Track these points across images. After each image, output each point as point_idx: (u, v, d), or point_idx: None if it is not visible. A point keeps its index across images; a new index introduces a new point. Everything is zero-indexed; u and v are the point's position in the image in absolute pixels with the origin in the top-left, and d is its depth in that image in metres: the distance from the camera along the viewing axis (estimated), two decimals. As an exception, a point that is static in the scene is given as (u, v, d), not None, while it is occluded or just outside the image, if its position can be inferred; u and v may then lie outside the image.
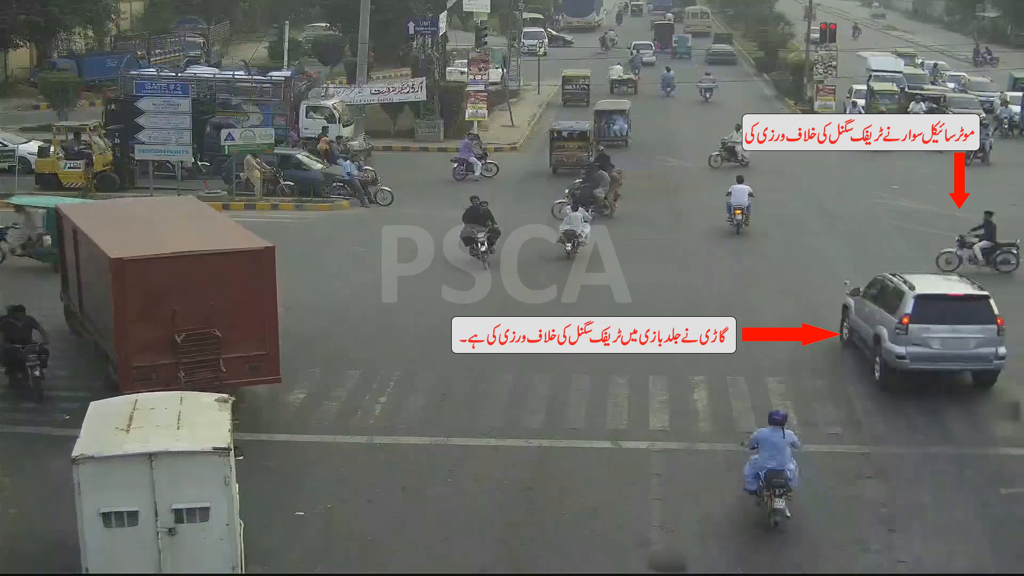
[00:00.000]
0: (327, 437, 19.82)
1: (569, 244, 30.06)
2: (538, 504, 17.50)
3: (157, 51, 62.98)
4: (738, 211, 33.44)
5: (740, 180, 34.42)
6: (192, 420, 14.90)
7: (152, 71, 48.85)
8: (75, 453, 13.94)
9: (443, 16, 54.59)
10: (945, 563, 15.86)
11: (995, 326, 21.27)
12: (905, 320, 21.36)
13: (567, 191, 34.21)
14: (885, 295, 22.51)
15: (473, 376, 22.30)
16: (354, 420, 20.55)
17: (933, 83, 62.00)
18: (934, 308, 21.47)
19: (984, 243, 29.59)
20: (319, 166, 39.51)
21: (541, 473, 18.58)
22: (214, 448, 14.08)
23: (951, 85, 61.80)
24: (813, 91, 55.85)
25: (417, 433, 19.94)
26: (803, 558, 15.97)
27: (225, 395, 16.03)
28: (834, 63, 54.56)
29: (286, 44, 59.96)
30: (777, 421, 16.85)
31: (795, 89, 62.42)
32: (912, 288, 21.85)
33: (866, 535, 16.48)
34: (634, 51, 76.17)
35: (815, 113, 54.31)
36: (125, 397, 16.32)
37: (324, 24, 76.63)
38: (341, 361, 23.22)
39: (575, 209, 31.07)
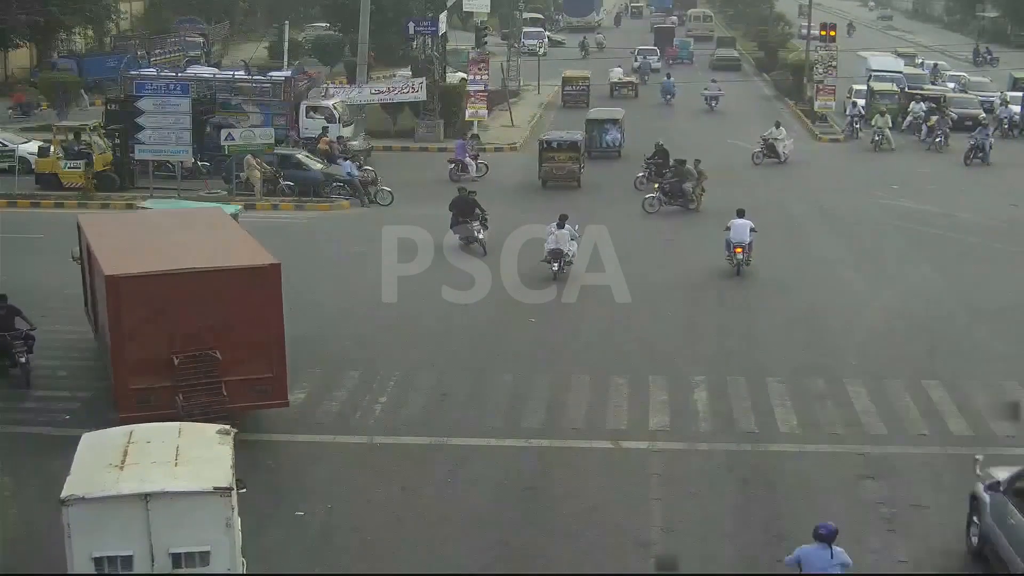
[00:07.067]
0: (327, 437, 19.81)
1: (555, 264, 28.03)
2: (538, 504, 17.50)
3: (157, 51, 62.97)
4: (738, 249, 29.21)
5: (741, 214, 29.51)
6: (191, 455, 13.91)
7: (152, 71, 48.86)
8: (64, 494, 12.94)
9: (443, 16, 54.56)
10: (945, 563, 15.86)
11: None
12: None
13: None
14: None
15: (473, 376, 22.31)
16: (354, 420, 20.53)
17: (933, 83, 61.92)
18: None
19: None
20: (319, 166, 39.52)
21: (541, 473, 18.58)
22: (215, 488, 13.16)
23: (951, 85, 61.74)
24: (813, 91, 55.78)
25: (417, 433, 19.94)
26: (803, 558, 15.91)
27: (227, 427, 14.98)
28: (834, 63, 54.48)
29: (286, 44, 60.02)
30: (823, 537, 13.64)
31: (795, 89, 62.36)
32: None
33: (866, 535, 16.47)
34: (640, 56, 73.01)
35: (815, 113, 54.44)
36: (120, 428, 15.12)
37: (324, 24, 76.63)
38: (341, 361, 23.19)
39: (560, 226, 28.37)
